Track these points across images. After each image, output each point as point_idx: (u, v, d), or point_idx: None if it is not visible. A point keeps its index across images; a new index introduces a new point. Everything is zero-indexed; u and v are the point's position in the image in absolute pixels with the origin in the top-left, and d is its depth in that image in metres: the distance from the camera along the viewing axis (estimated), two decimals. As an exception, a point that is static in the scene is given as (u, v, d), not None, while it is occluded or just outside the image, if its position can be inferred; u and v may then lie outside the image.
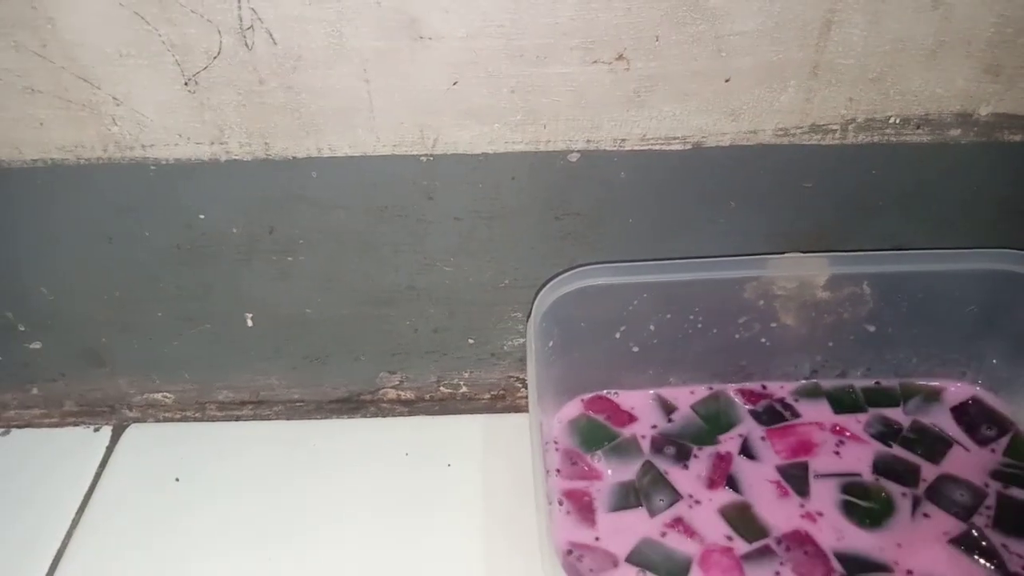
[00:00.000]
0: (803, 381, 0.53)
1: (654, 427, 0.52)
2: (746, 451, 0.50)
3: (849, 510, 0.46)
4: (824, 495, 0.47)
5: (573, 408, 0.53)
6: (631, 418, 0.52)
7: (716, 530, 0.46)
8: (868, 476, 0.48)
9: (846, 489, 0.48)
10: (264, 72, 0.41)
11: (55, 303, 0.52)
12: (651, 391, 0.53)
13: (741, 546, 0.45)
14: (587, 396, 0.53)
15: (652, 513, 0.47)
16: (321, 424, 0.58)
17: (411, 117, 0.43)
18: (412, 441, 0.55)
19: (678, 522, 0.46)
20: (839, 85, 0.42)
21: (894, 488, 0.47)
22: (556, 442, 0.51)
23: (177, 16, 0.39)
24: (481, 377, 0.57)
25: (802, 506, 0.47)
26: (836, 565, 0.44)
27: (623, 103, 0.42)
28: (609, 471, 0.49)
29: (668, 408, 0.53)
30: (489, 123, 0.43)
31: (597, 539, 0.46)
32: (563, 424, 0.52)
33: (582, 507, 0.48)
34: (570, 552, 0.45)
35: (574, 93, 0.42)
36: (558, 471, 0.50)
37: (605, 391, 0.54)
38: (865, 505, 0.47)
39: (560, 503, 0.48)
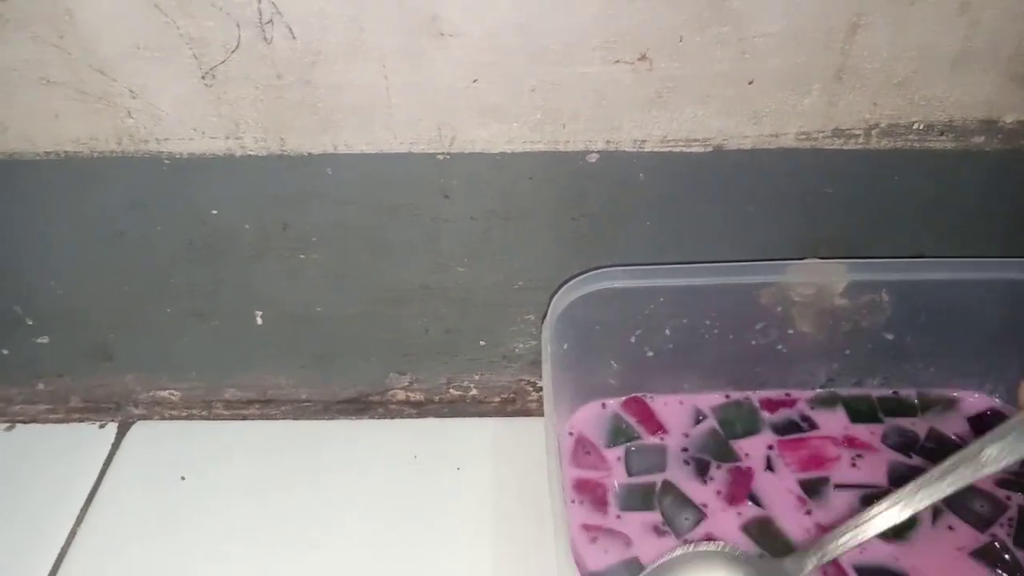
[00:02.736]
0: (820, 390, 0.53)
1: (675, 441, 0.51)
2: (767, 464, 0.49)
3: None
4: (844, 507, 0.47)
5: (597, 408, 0.53)
6: (659, 426, 0.52)
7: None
8: (887, 487, 0.48)
9: (866, 500, 0.47)
10: (282, 67, 0.40)
11: (64, 298, 0.51)
12: (679, 397, 0.53)
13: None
14: (623, 398, 0.53)
15: (678, 534, 0.46)
16: (328, 424, 0.57)
17: (429, 115, 0.42)
18: (421, 443, 0.55)
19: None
20: (863, 90, 0.42)
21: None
22: (571, 432, 0.51)
23: (196, 9, 0.38)
24: (492, 380, 0.57)
25: (821, 519, 0.46)
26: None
27: (644, 104, 0.42)
28: (625, 471, 0.49)
29: (696, 416, 0.52)
30: (508, 122, 0.43)
31: (612, 522, 0.46)
32: (585, 419, 0.52)
33: (595, 499, 0.48)
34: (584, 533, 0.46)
35: (595, 93, 0.42)
36: (571, 463, 0.49)
37: (640, 394, 0.53)
38: None
39: (572, 501, 0.47)
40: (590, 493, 0.48)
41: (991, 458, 0.31)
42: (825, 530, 0.45)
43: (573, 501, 0.48)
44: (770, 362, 0.51)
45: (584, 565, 0.45)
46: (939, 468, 0.32)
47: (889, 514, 0.33)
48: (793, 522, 0.46)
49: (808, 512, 0.47)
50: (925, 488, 0.33)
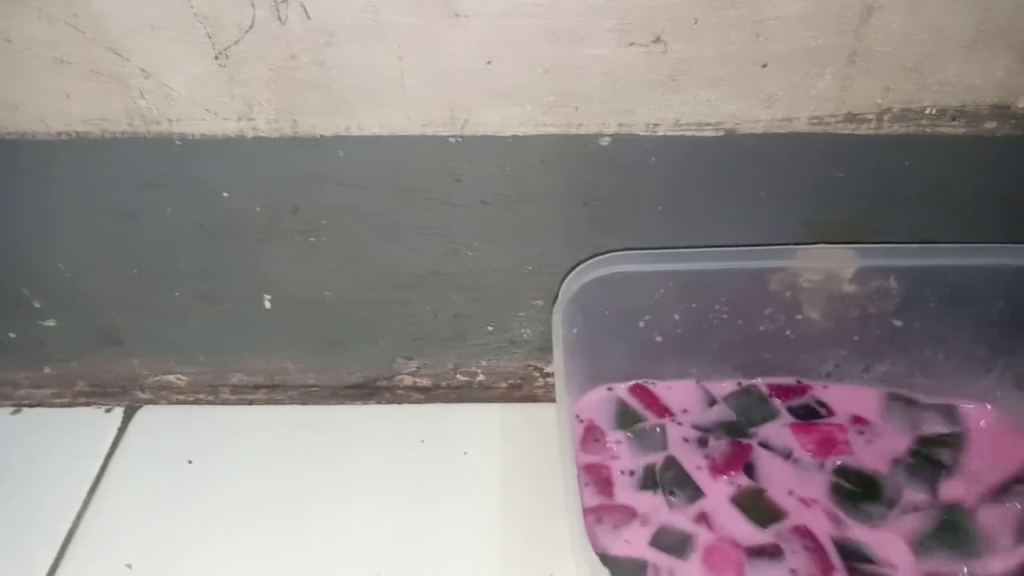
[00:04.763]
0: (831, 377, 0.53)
1: (679, 422, 0.51)
2: (770, 444, 0.50)
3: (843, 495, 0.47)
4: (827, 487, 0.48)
5: (603, 392, 0.53)
6: (666, 410, 0.52)
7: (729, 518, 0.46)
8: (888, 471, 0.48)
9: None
10: (296, 47, 0.40)
11: (72, 280, 0.51)
12: (691, 382, 0.53)
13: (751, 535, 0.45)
14: (628, 384, 0.53)
15: (671, 507, 0.47)
16: (336, 410, 0.57)
17: (442, 97, 0.42)
18: (428, 429, 0.55)
19: (700, 517, 0.46)
20: (876, 73, 0.42)
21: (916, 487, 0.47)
22: (581, 420, 0.51)
23: (210, -13, 0.38)
24: (499, 365, 0.57)
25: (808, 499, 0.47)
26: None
27: (658, 87, 0.42)
28: (630, 454, 0.49)
29: (709, 400, 0.53)
30: (521, 104, 0.43)
31: (616, 502, 0.47)
32: (593, 404, 0.52)
33: (600, 480, 0.48)
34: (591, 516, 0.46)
35: (608, 75, 0.42)
36: (580, 448, 0.50)
37: (644, 380, 0.53)
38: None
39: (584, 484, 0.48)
40: (595, 475, 0.48)
41: None
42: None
43: (586, 484, 0.48)
44: (778, 348, 0.52)
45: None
46: None
47: None
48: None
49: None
50: None
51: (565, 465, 0.39)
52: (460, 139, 0.44)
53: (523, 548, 0.47)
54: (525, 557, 0.47)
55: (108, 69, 0.41)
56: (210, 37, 0.40)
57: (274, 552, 0.48)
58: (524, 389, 0.58)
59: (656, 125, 0.44)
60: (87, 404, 0.58)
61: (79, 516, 0.50)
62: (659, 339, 0.51)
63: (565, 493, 0.38)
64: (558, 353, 0.44)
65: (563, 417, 0.41)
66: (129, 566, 0.48)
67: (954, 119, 0.44)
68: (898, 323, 0.50)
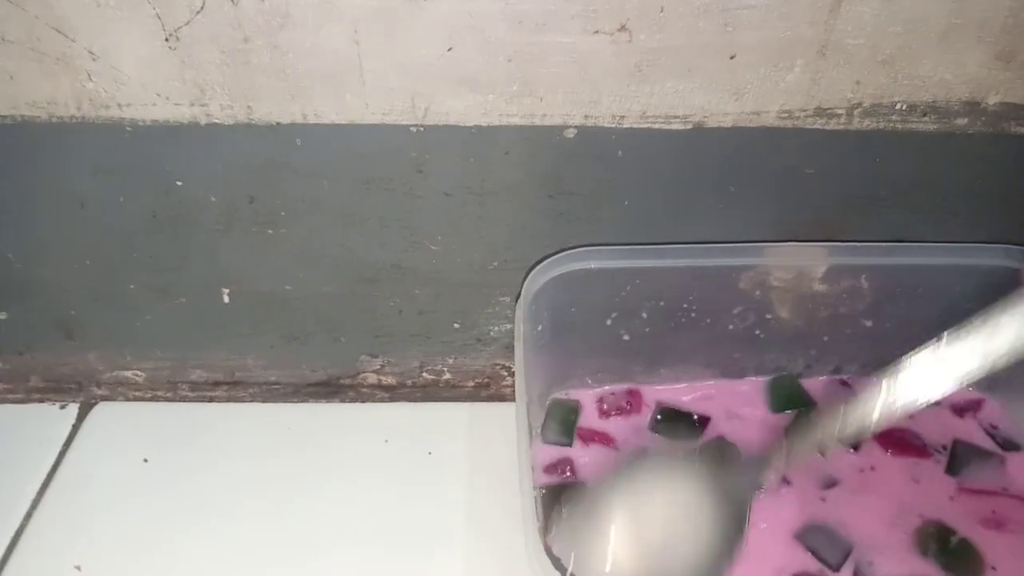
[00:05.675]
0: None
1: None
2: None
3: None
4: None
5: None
6: None
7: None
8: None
9: None
10: (249, 29, 0.39)
11: (23, 271, 0.50)
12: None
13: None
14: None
15: None
16: (298, 407, 0.56)
17: (403, 84, 0.41)
18: (392, 428, 0.54)
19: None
20: (847, 67, 0.41)
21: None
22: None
23: (159, -35, 0.37)
24: (466, 364, 0.55)
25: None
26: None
27: (624, 77, 0.41)
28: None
29: None
30: (484, 93, 0.41)
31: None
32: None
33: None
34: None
35: (573, 64, 0.40)
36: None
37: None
38: None
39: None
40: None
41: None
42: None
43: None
44: (748, 347, 0.51)
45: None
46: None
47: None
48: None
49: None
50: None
51: (522, 467, 0.38)
52: (421, 128, 0.43)
53: (486, 550, 0.46)
54: (488, 559, 0.46)
55: (54, 49, 0.40)
56: (160, 18, 0.38)
57: (229, 554, 0.47)
58: (491, 388, 0.57)
59: (622, 117, 0.43)
60: (41, 400, 0.56)
61: (28, 515, 0.49)
62: (627, 337, 0.50)
63: (521, 496, 0.37)
64: (519, 351, 0.43)
65: (522, 417, 0.40)
66: (78, 567, 0.46)
67: (925, 115, 0.43)
68: (869, 323, 0.49)
